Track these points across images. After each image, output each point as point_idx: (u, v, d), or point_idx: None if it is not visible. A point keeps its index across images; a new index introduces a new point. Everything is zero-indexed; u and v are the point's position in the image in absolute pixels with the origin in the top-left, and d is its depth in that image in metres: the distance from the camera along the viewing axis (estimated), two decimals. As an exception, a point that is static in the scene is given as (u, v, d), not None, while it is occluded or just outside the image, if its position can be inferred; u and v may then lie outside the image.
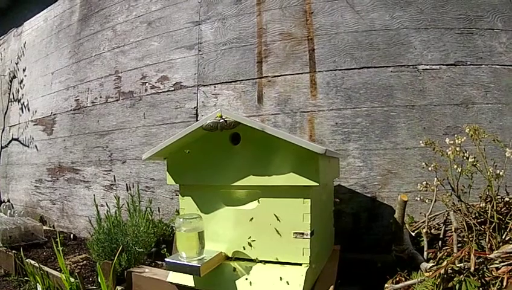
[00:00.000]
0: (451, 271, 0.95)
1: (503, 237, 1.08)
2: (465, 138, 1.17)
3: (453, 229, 1.20)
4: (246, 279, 1.04)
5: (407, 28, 1.67)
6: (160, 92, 2.15)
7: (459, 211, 1.22)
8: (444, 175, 1.20)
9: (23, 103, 3.26)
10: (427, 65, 1.63)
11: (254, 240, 1.07)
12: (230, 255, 1.11)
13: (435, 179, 1.23)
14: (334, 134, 1.69)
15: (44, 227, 2.54)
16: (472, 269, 0.92)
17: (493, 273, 0.94)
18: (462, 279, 0.92)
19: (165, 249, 1.50)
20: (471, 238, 1.10)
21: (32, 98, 3.15)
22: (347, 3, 1.74)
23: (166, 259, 1.06)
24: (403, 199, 1.20)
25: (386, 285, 1.10)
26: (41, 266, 1.58)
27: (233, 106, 1.89)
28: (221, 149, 1.10)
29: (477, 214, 1.19)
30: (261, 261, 1.06)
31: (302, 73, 1.77)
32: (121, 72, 2.37)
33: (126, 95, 2.31)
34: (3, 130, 3.59)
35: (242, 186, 1.08)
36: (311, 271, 1.03)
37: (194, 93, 2.02)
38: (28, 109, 3.17)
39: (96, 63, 2.54)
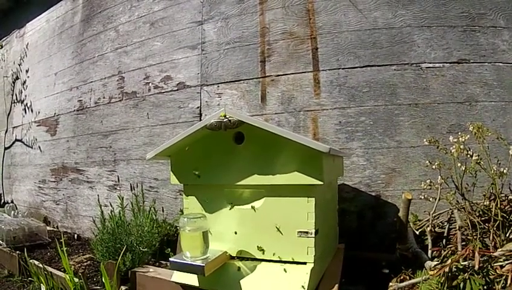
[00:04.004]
0: (455, 269, 0.95)
1: (507, 235, 1.08)
2: (468, 136, 1.16)
3: (457, 228, 1.20)
4: (251, 278, 1.04)
5: (410, 26, 1.67)
6: (164, 92, 2.16)
7: (463, 209, 1.22)
8: (447, 173, 1.20)
9: (26, 103, 3.27)
10: (430, 63, 1.63)
11: (258, 239, 1.07)
12: (234, 255, 1.11)
13: (439, 177, 1.22)
14: (338, 133, 1.69)
15: (48, 228, 2.54)
16: (476, 267, 0.92)
17: (497, 272, 0.94)
18: (467, 277, 0.92)
19: (169, 249, 1.51)
20: (475, 237, 1.10)
21: (35, 99, 3.15)
22: (350, 2, 1.73)
23: (170, 259, 1.06)
24: (407, 198, 1.20)
25: (390, 284, 1.10)
26: (45, 266, 1.58)
27: (237, 106, 1.90)
28: (225, 148, 1.10)
29: (481, 212, 1.19)
30: (265, 261, 1.06)
31: (305, 72, 1.77)
32: (124, 73, 2.37)
33: (129, 95, 2.32)
34: (6, 131, 3.60)
35: (246, 186, 1.08)
36: (316, 270, 1.03)
37: (198, 93, 2.02)
38: (31, 110, 3.18)
39: (99, 63, 2.54)
